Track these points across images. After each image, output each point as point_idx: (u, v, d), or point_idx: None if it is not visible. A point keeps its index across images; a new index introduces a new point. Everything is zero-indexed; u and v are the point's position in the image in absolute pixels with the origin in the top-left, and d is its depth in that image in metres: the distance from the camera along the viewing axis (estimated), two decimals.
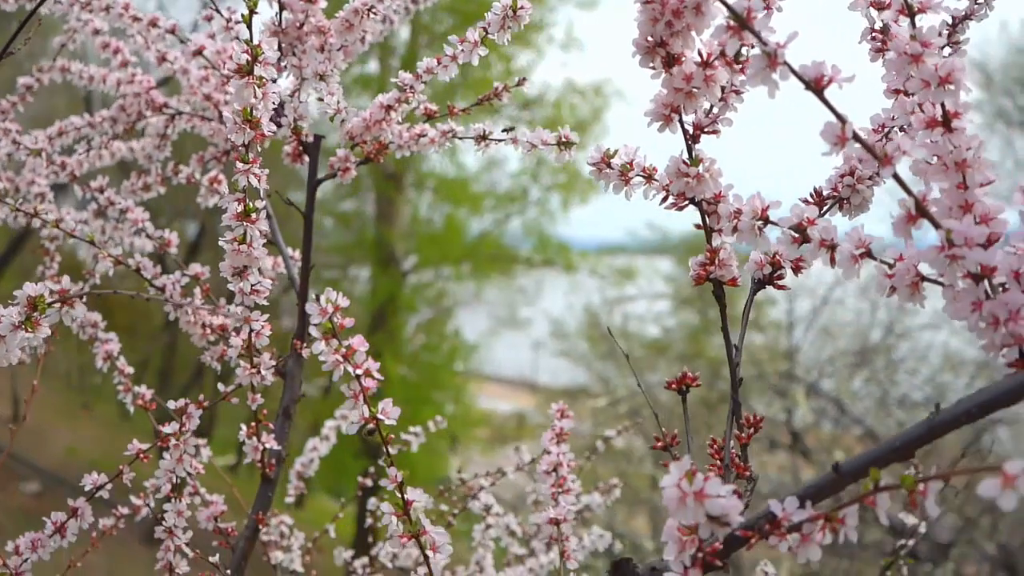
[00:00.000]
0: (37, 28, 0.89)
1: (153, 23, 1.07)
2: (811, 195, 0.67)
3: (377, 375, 0.61)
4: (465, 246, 11.33)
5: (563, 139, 0.83)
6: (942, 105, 0.52)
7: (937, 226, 0.50)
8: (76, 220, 1.16)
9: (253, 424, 0.94)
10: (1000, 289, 0.50)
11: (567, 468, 0.93)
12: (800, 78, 0.49)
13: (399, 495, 0.63)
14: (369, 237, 10.75)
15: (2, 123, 1.13)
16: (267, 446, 0.95)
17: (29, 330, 0.66)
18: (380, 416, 0.61)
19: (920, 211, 0.50)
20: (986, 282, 0.51)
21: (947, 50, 0.70)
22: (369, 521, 1.32)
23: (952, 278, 0.50)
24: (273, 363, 0.89)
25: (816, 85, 0.49)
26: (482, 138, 0.93)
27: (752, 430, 0.62)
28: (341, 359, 0.60)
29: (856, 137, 0.49)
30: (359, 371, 0.60)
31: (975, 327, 0.50)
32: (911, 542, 1.09)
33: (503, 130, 0.93)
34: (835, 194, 0.66)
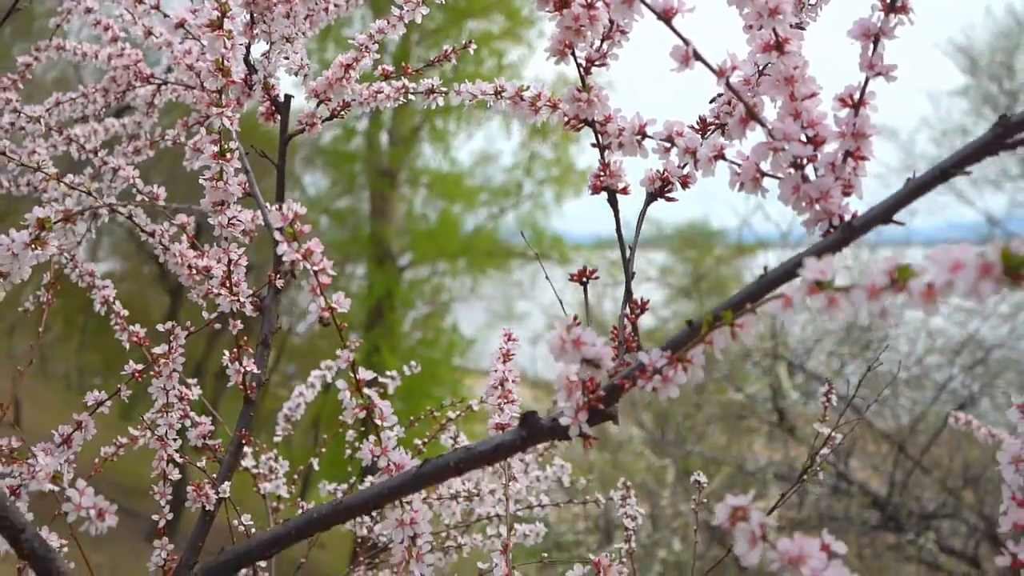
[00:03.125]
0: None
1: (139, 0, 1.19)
2: (697, 121, 0.79)
3: (331, 271, 0.73)
4: (460, 241, 11.45)
5: (499, 89, 0.95)
6: (774, 32, 0.64)
7: (764, 126, 0.62)
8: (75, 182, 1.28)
9: (235, 350, 1.06)
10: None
11: (512, 383, 1.06)
12: (652, 10, 0.62)
13: (352, 374, 0.76)
14: (364, 234, 10.87)
15: (3, 93, 1.25)
16: (248, 370, 1.08)
17: (38, 247, 0.78)
18: (335, 305, 0.74)
19: (750, 114, 0.63)
20: (811, 171, 0.64)
21: None
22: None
23: (778, 167, 0.62)
24: (251, 292, 1.02)
25: (666, 15, 0.62)
26: (430, 91, 1.05)
27: (640, 311, 0.75)
28: (301, 257, 0.72)
29: (696, 56, 0.61)
30: (316, 268, 0.73)
31: (797, 206, 0.62)
32: (825, 451, 1.21)
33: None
34: (716, 121, 0.79)
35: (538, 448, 1.48)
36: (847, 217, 0.61)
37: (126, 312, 1.22)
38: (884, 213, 0.58)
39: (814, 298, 0.49)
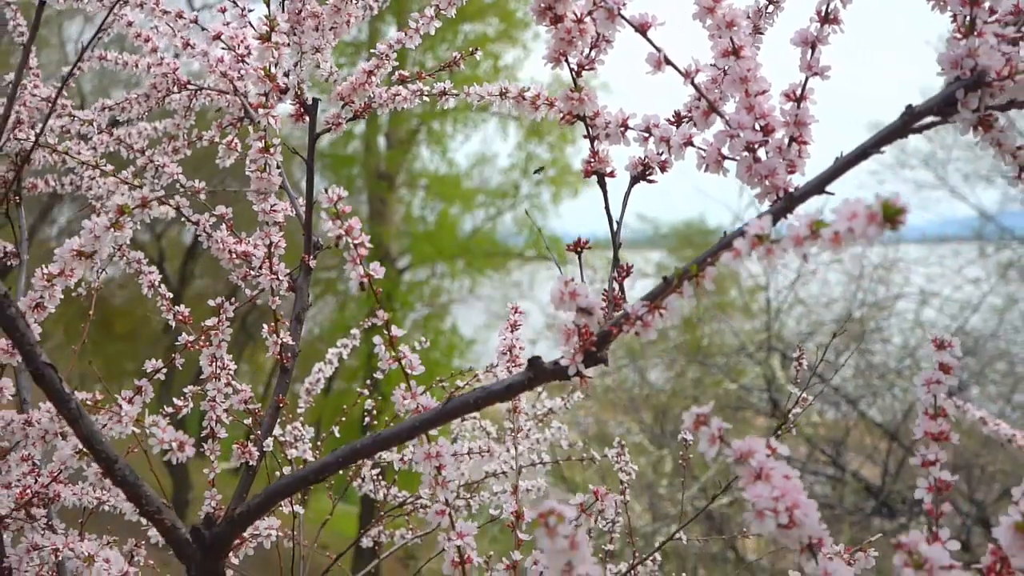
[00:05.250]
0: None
1: (179, 15, 1.34)
2: (673, 114, 0.93)
3: (368, 244, 0.88)
4: (458, 242, 11.60)
5: (503, 90, 1.09)
6: (731, 40, 0.79)
7: (722, 117, 0.77)
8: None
9: (273, 323, 1.21)
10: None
11: (519, 349, 1.20)
12: (631, 24, 0.76)
13: (387, 333, 0.90)
14: None
15: (59, 100, 1.39)
16: (284, 342, 1.22)
17: (117, 230, 0.92)
18: (371, 272, 0.88)
19: (711, 108, 0.77)
20: (763, 153, 0.78)
21: (771, 7, 0.96)
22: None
23: (735, 151, 0.77)
24: (288, 271, 1.16)
25: (642, 28, 0.76)
26: (443, 93, 1.20)
27: (626, 274, 0.89)
28: (343, 232, 0.86)
29: (667, 61, 0.76)
30: (356, 241, 0.87)
31: (751, 182, 0.77)
32: (797, 410, 1.35)
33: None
34: (689, 114, 0.93)
35: (538, 414, 1.62)
36: (791, 190, 0.76)
37: (170, 294, 1.36)
38: (817, 186, 0.72)
39: (756, 249, 0.64)
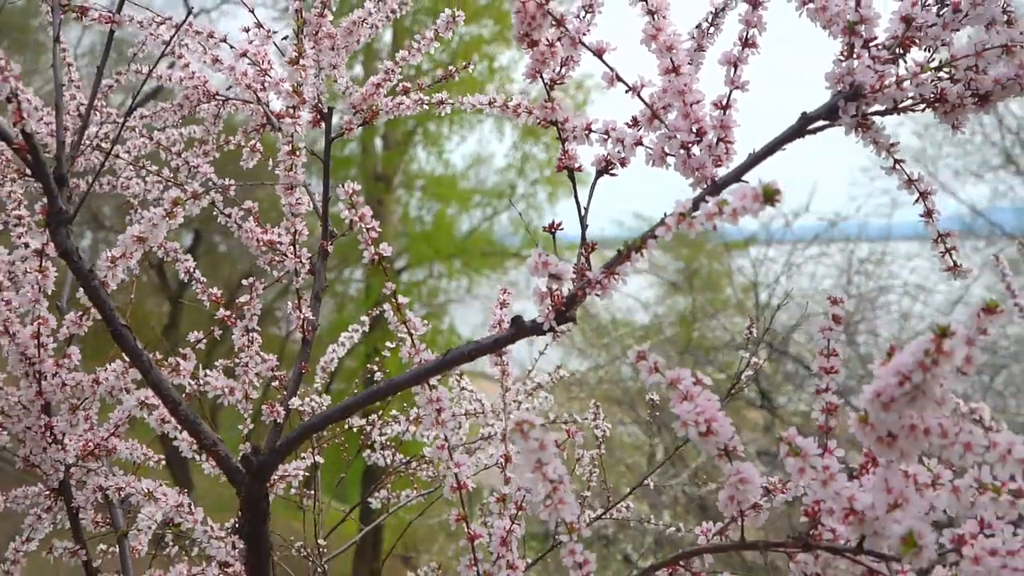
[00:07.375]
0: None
1: (210, 35, 1.53)
2: (631, 119, 1.13)
3: (377, 229, 1.07)
4: (455, 243, 11.78)
5: (492, 100, 1.29)
6: (670, 59, 0.98)
7: (662, 122, 0.97)
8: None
9: (296, 301, 1.40)
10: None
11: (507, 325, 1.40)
12: (589, 49, 0.96)
13: (394, 300, 1.10)
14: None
15: (104, 108, 1.59)
16: (306, 316, 1.41)
17: (171, 218, 1.12)
18: (381, 251, 1.08)
19: (653, 115, 0.97)
20: (697, 151, 0.98)
21: (712, 29, 1.16)
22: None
23: (672, 149, 0.97)
24: (309, 255, 1.36)
25: (598, 52, 0.96)
26: (441, 103, 1.40)
27: (591, 249, 1.09)
28: (357, 219, 1.06)
29: (618, 78, 0.96)
30: (368, 225, 1.07)
31: (686, 174, 0.97)
32: (749, 372, 1.55)
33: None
34: (639, 120, 1.12)
35: (527, 387, 1.82)
36: (716, 179, 0.96)
37: (204, 279, 1.56)
38: (735, 176, 0.92)
39: (681, 224, 0.83)
